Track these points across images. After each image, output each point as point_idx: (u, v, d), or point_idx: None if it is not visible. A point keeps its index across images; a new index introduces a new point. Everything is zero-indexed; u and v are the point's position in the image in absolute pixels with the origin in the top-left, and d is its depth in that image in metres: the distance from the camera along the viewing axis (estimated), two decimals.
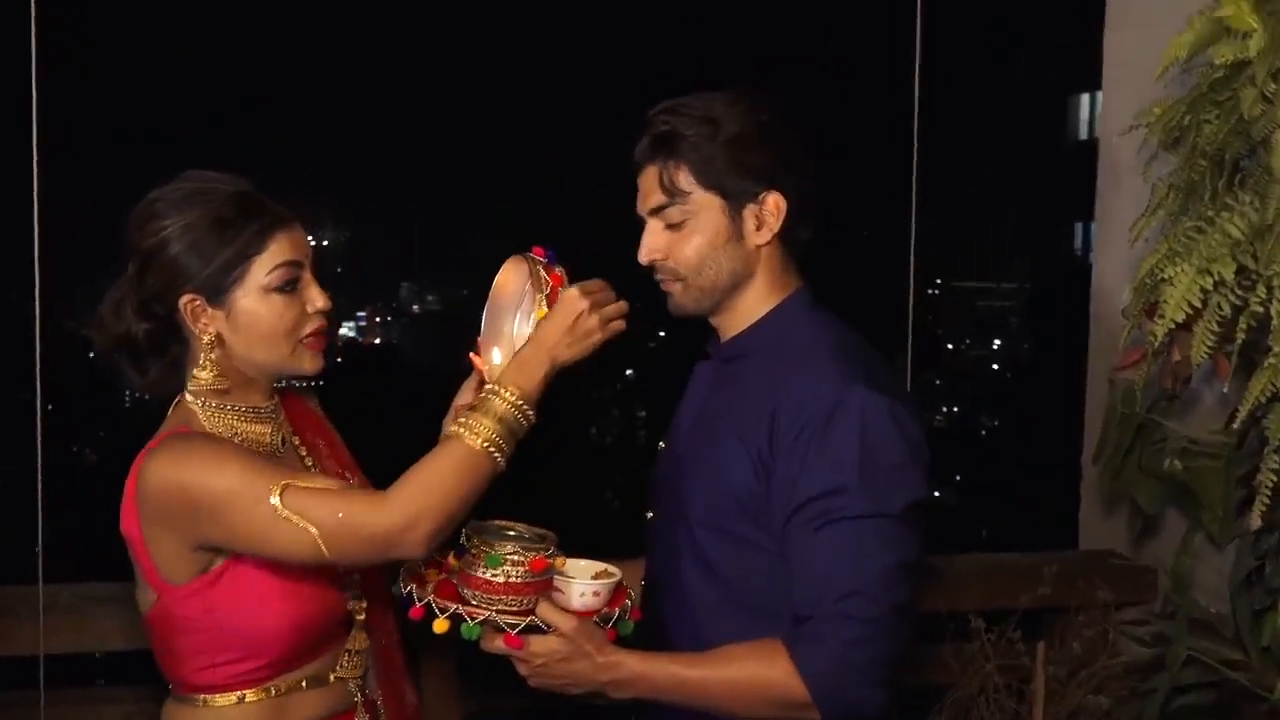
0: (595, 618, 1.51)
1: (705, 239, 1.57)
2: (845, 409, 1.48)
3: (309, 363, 1.58)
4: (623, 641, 1.54)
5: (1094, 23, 2.71)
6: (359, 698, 1.64)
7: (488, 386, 1.51)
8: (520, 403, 1.49)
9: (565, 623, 1.48)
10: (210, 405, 1.56)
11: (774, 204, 1.57)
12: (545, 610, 1.48)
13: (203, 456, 1.46)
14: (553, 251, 1.61)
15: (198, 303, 1.52)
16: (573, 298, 1.53)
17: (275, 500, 1.41)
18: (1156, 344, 1.87)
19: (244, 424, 1.58)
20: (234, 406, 1.57)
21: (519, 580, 1.47)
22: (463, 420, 1.48)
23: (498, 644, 1.48)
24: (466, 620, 1.46)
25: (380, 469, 1.62)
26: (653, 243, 1.60)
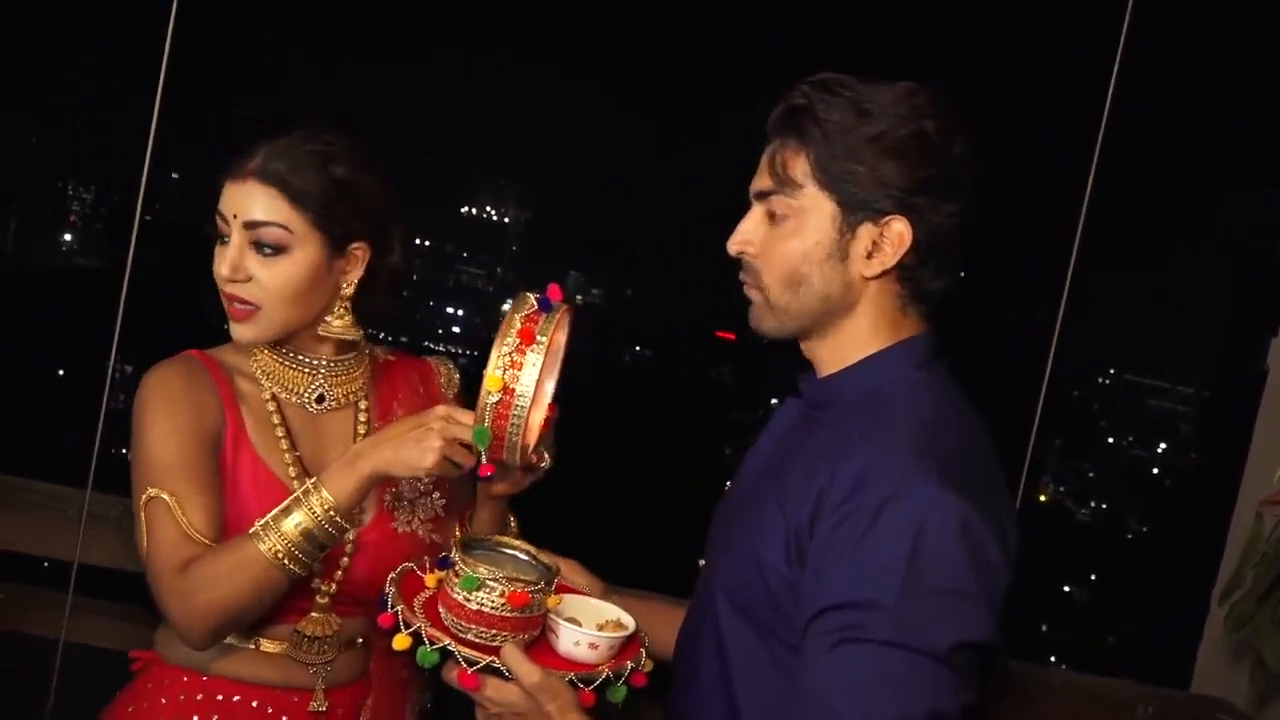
0: (573, 675, 1.30)
1: (803, 246, 1.29)
2: (901, 505, 1.17)
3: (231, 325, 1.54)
4: (610, 709, 1.33)
5: None
6: (321, 683, 1.56)
7: (303, 487, 1.41)
8: (331, 513, 1.39)
9: (528, 675, 1.26)
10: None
11: (897, 233, 1.27)
12: (509, 654, 1.27)
13: (157, 403, 1.49)
14: (546, 298, 1.35)
15: None
16: (432, 413, 1.39)
17: (143, 498, 1.45)
18: None
19: (280, 367, 1.57)
20: (277, 348, 1.57)
21: (492, 611, 1.28)
22: (265, 522, 1.40)
23: (453, 677, 1.29)
24: (425, 643, 1.28)
25: None
26: (746, 231, 1.34)
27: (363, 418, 1.61)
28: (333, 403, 1.59)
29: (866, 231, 1.28)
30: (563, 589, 1.43)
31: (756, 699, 1.29)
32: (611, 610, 1.42)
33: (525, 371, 1.29)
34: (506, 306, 1.36)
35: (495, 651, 1.27)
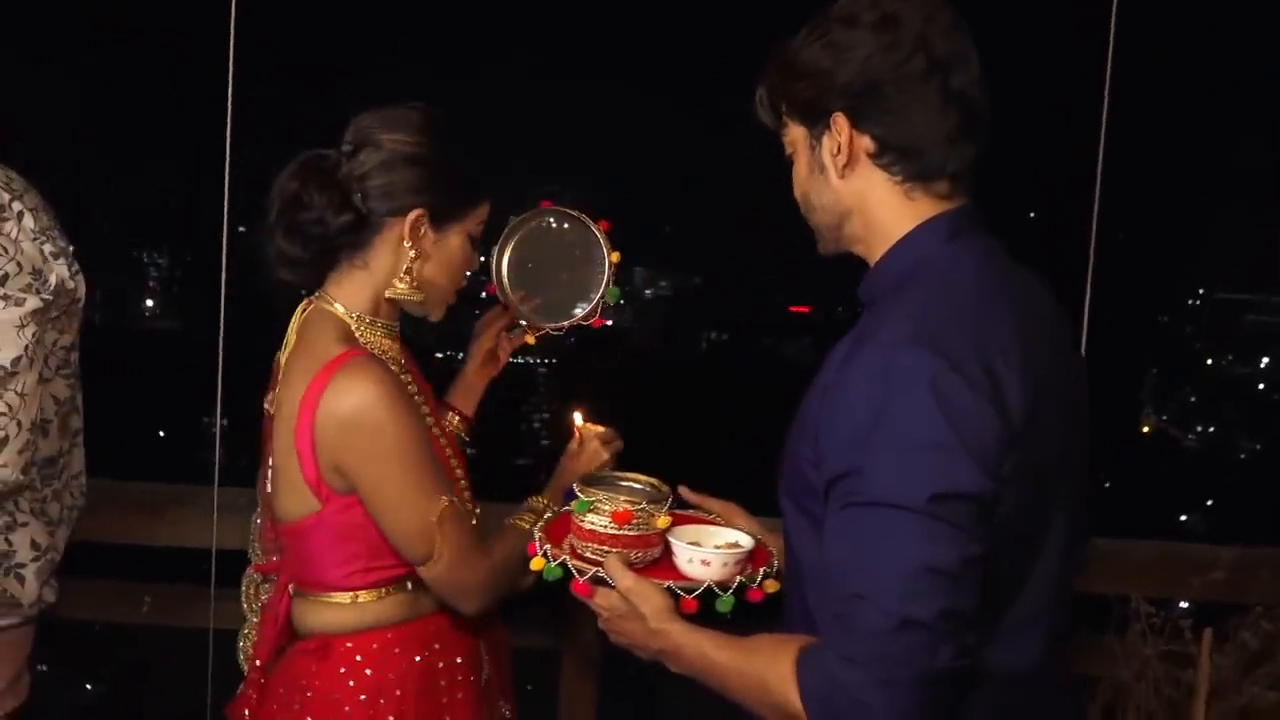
0: (671, 583, 1.43)
1: (801, 173, 1.43)
2: (873, 373, 1.23)
3: (442, 309, 1.74)
4: (717, 618, 1.42)
5: None
6: None
7: (533, 500, 1.79)
8: (552, 507, 1.76)
9: (622, 580, 1.41)
10: (364, 320, 1.66)
11: (842, 127, 1.35)
12: (610, 565, 1.43)
13: (398, 411, 1.58)
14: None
15: (425, 220, 1.65)
16: (595, 450, 1.83)
17: (439, 510, 1.60)
18: None
19: (383, 339, 1.69)
20: (377, 322, 1.67)
21: (603, 530, 1.46)
22: (527, 518, 1.74)
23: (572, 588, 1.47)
24: (550, 561, 1.48)
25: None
26: (794, 177, 1.47)
27: (407, 378, 1.73)
28: (403, 359, 1.73)
29: (827, 139, 1.37)
30: (704, 522, 1.58)
31: (814, 583, 1.36)
32: (738, 535, 1.53)
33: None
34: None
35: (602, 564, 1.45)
